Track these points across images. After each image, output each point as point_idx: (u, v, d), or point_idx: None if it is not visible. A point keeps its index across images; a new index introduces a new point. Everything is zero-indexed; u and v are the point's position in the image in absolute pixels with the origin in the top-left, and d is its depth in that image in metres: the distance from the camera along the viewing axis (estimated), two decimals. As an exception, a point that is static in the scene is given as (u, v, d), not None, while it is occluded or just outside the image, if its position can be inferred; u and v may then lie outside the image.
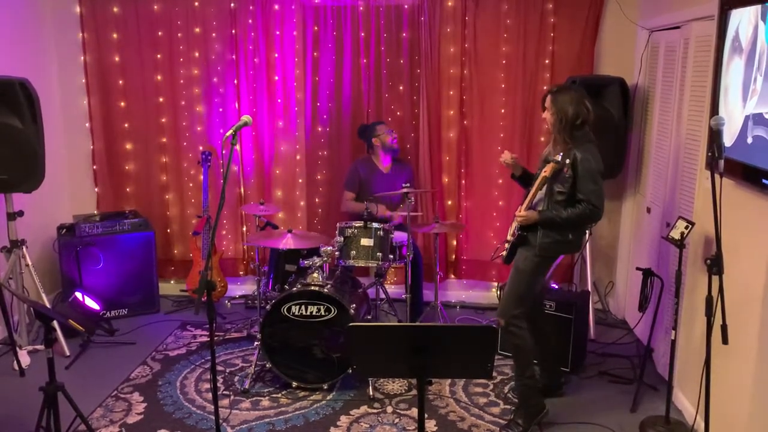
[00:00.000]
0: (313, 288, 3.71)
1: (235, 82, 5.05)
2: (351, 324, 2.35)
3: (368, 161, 4.83)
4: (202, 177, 5.01)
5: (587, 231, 4.69)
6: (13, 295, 3.86)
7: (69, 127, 5.19)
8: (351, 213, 4.75)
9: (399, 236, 4.24)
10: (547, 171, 3.21)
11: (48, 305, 4.29)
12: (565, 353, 3.95)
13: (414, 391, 3.80)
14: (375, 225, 4.08)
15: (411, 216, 4.16)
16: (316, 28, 4.98)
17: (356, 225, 4.10)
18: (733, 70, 2.98)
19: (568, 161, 3.18)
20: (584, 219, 3.25)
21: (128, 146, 5.21)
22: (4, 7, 4.52)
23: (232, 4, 4.95)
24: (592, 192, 3.17)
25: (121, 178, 5.26)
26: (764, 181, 2.68)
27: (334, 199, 5.15)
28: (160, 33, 5.02)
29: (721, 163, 2.66)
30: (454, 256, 5.23)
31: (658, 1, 4.35)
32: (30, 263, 4.20)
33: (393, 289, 5.18)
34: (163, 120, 5.16)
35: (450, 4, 4.84)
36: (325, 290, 3.70)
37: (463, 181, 5.08)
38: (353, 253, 4.06)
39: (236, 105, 5.09)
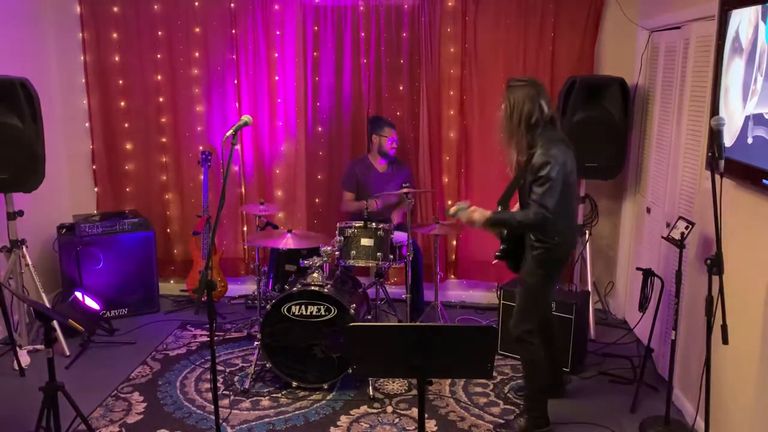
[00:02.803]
0: (313, 288, 3.71)
1: (235, 82, 5.05)
2: (351, 324, 2.35)
3: (364, 161, 4.84)
4: (202, 177, 5.01)
5: (587, 230, 4.71)
6: (13, 294, 3.86)
7: (69, 127, 5.18)
8: (352, 213, 4.76)
9: (399, 236, 4.24)
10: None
11: (48, 305, 4.29)
12: (565, 353, 3.95)
13: (414, 391, 3.80)
14: (375, 225, 4.08)
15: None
16: (316, 28, 4.98)
17: (356, 225, 4.10)
18: (734, 71, 2.98)
19: (466, 208, 3.15)
20: (532, 222, 3.05)
21: (128, 146, 5.21)
22: (4, 7, 4.52)
23: (232, 4, 4.95)
24: (544, 195, 3.01)
25: (121, 178, 5.26)
26: (764, 181, 2.68)
27: (334, 199, 5.15)
28: (160, 33, 5.02)
29: (722, 163, 2.65)
30: (454, 256, 5.23)
31: (658, 2, 4.35)
32: (30, 263, 4.20)
33: (393, 289, 5.18)
34: (163, 120, 5.16)
35: (450, 4, 4.84)
36: (325, 290, 3.69)
37: (463, 181, 5.08)
38: (353, 253, 4.06)
39: (236, 105, 5.09)
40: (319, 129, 5.14)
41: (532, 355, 3.33)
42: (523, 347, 3.34)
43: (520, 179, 3.21)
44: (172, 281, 5.39)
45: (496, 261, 3.49)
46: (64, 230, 4.82)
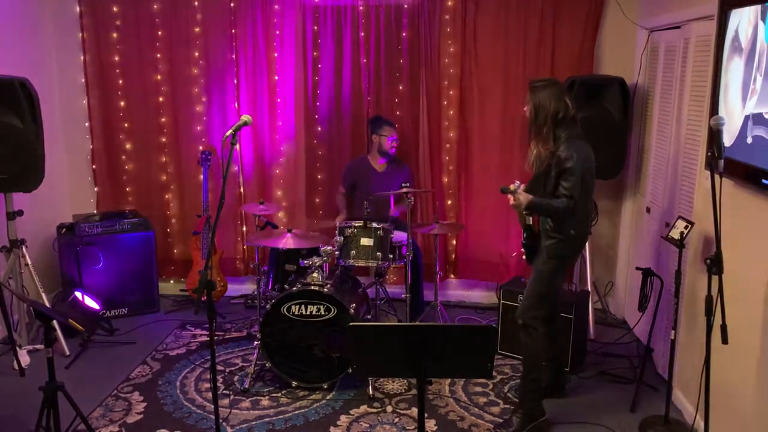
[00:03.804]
0: (312, 288, 3.71)
1: (235, 82, 5.05)
2: (351, 324, 2.35)
3: (363, 161, 4.85)
4: (201, 177, 5.01)
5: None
6: (13, 294, 3.87)
7: (69, 126, 5.18)
8: (338, 205, 4.89)
9: (399, 236, 4.24)
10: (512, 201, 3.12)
11: (48, 305, 4.29)
12: (565, 353, 3.95)
13: (414, 391, 3.80)
14: (375, 225, 4.08)
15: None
16: (315, 27, 4.98)
17: (356, 225, 4.10)
18: (733, 70, 2.98)
19: (519, 188, 3.11)
20: (563, 211, 3.17)
21: (128, 146, 5.21)
22: (3, 7, 4.52)
23: (231, 4, 4.95)
24: (573, 188, 3.11)
25: (121, 178, 5.26)
26: (764, 181, 2.68)
27: (334, 198, 5.14)
28: (160, 33, 5.02)
29: (721, 162, 2.65)
30: (454, 256, 5.23)
31: (658, 1, 4.35)
32: (30, 263, 4.20)
33: (393, 288, 5.18)
34: (163, 120, 5.16)
35: (450, 4, 4.84)
36: (325, 290, 3.70)
37: (463, 181, 5.08)
38: (353, 252, 4.05)
39: (236, 105, 5.09)
40: (319, 129, 5.14)
41: (536, 342, 3.36)
42: (527, 333, 3.37)
43: (543, 174, 3.25)
44: (171, 281, 5.38)
45: (516, 254, 3.53)
46: (64, 230, 4.82)
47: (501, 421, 3.50)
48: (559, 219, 3.25)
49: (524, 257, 3.53)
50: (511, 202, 3.17)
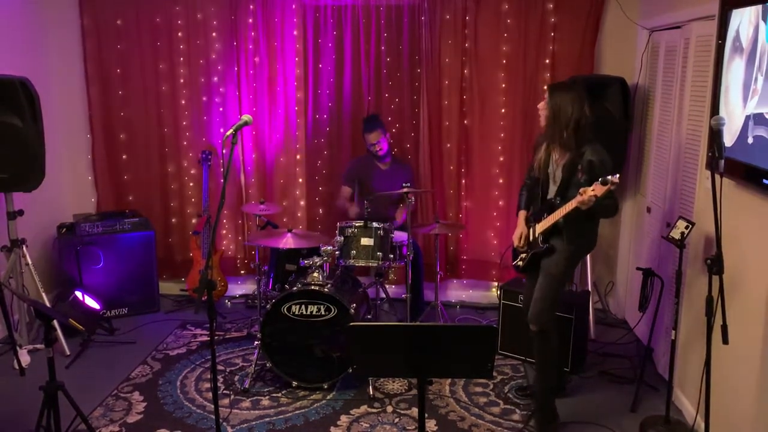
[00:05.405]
0: (313, 287, 3.71)
1: (236, 81, 5.05)
2: (351, 324, 2.35)
3: (368, 159, 4.84)
4: (202, 176, 5.01)
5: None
6: (14, 294, 3.86)
7: (69, 126, 5.18)
8: (342, 210, 4.81)
9: (399, 236, 4.24)
10: (596, 191, 2.94)
11: (48, 304, 4.29)
12: (565, 353, 3.95)
13: (414, 391, 3.80)
14: (375, 224, 4.08)
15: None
16: (316, 27, 4.98)
17: (356, 225, 4.09)
18: (734, 70, 2.98)
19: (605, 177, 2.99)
20: (614, 212, 3.24)
21: (129, 145, 5.20)
22: (4, 7, 4.52)
23: (232, 4, 4.94)
24: (614, 191, 3.12)
25: (121, 178, 5.25)
26: (764, 181, 2.68)
27: (334, 198, 5.14)
28: (160, 33, 5.02)
29: (722, 163, 2.65)
30: (454, 256, 5.23)
31: (658, 1, 4.35)
32: (30, 262, 4.20)
33: (393, 288, 5.18)
34: (164, 119, 5.15)
35: (450, 3, 4.84)
36: (326, 290, 3.70)
37: (463, 181, 5.08)
38: (353, 252, 4.05)
39: (237, 105, 5.09)
40: (319, 128, 5.13)
41: (552, 347, 3.37)
42: (545, 339, 3.34)
43: (567, 178, 3.22)
44: (172, 281, 5.38)
45: (524, 255, 3.50)
46: (64, 229, 4.82)
47: (503, 422, 3.50)
48: (609, 215, 3.28)
49: (521, 263, 3.50)
50: (593, 193, 2.95)
